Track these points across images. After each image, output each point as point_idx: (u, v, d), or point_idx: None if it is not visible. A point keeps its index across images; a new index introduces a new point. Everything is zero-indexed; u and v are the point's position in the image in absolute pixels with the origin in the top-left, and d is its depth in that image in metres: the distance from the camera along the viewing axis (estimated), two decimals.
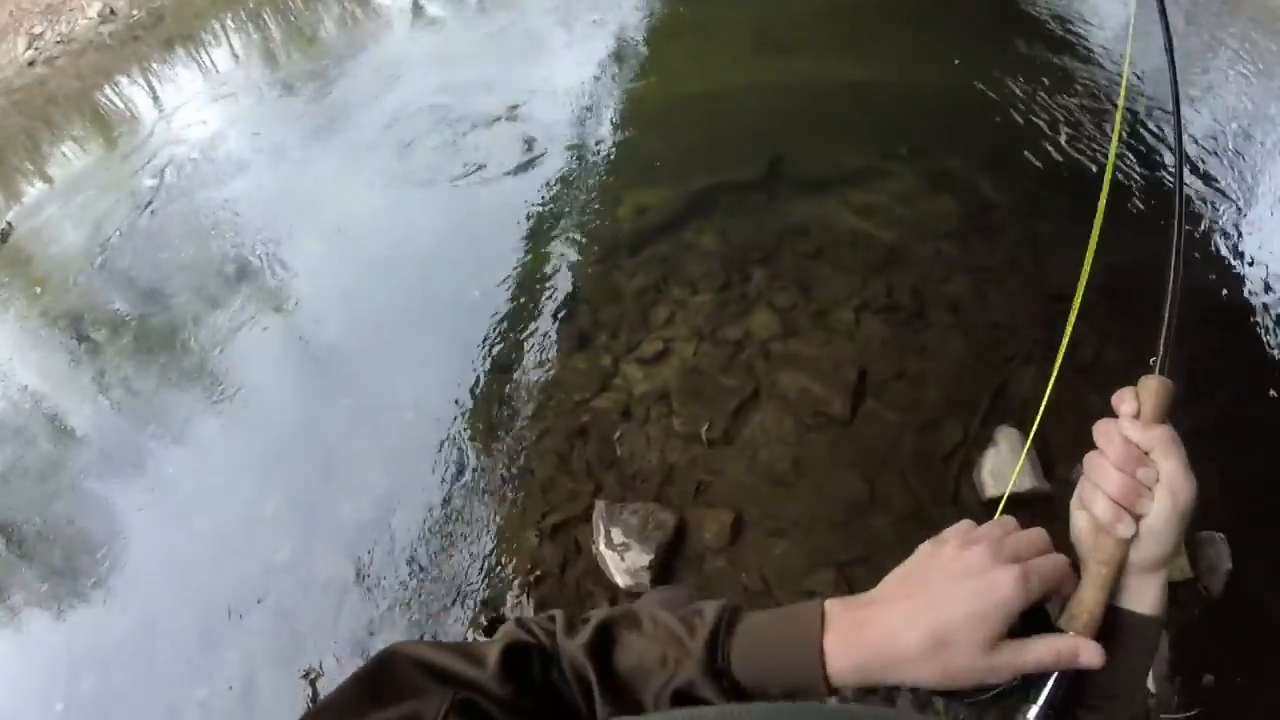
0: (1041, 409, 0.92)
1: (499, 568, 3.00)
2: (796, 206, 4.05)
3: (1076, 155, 4.50)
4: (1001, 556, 0.65)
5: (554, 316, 3.80)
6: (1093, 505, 0.70)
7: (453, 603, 2.93)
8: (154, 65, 7.46)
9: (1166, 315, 0.78)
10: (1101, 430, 0.72)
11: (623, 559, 2.93)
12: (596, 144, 4.86)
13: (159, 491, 3.70)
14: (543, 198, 4.54)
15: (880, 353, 3.43)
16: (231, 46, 7.70)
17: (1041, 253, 3.96)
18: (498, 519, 3.10)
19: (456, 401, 3.53)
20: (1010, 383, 3.38)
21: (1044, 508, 3.07)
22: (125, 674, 3.16)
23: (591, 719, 0.64)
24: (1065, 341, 0.87)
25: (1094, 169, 4.53)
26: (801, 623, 0.65)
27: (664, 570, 2.95)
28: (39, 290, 5.23)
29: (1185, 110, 5.02)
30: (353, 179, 5.03)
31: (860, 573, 2.97)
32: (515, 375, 3.57)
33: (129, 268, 5.04)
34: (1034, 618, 0.65)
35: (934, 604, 0.63)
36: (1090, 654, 0.64)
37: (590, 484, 3.14)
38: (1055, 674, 0.65)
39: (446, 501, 3.21)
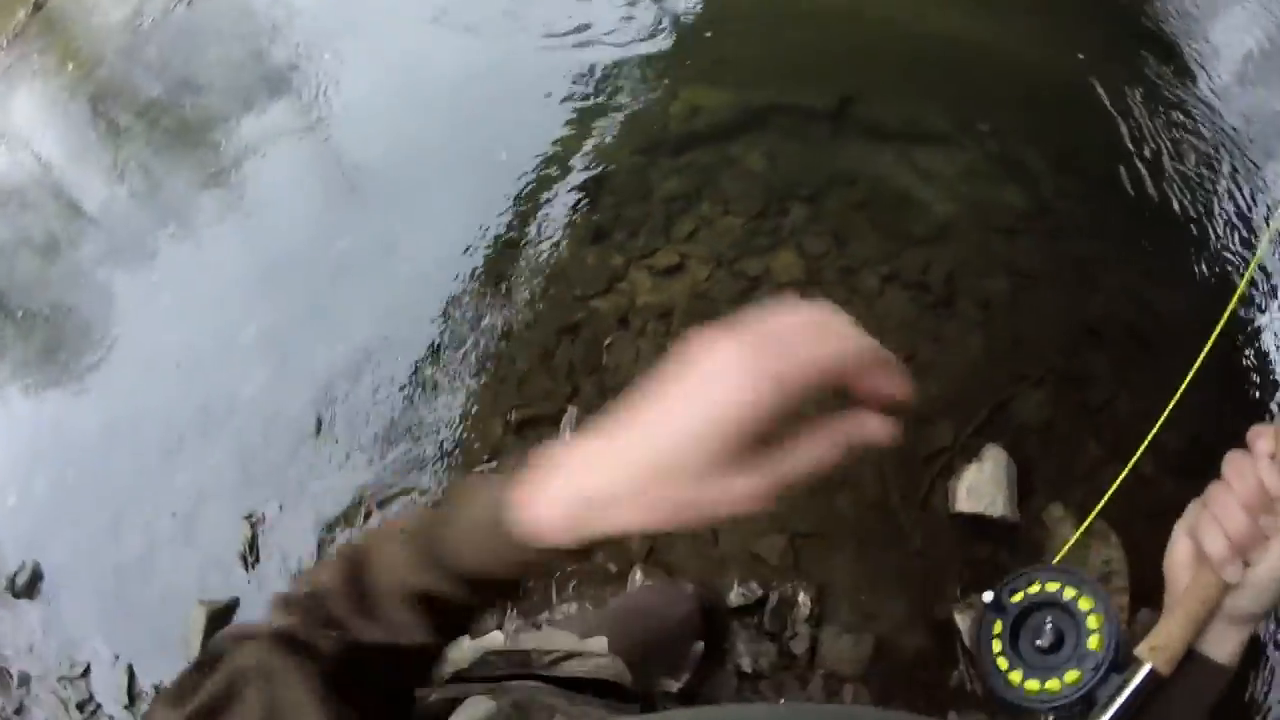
0: (1110, 492, 0.83)
1: (457, 450, 2.93)
2: (856, 150, 3.81)
3: (1164, 189, 4.25)
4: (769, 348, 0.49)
5: (575, 201, 3.61)
6: (1205, 538, 0.68)
7: (405, 472, 2.88)
8: None
9: None
10: (1234, 464, 0.69)
11: None
12: (668, 28, 4.51)
13: (146, 295, 3.60)
14: (599, 74, 4.24)
15: (895, 329, 3.29)
16: None
17: (1088, 276, 3.77)
18: (468, 400, 3.01)
19: (454, 266, 3.38)
20: (1016, 401, 3.28)
21: (997, 533, 3.02)
22: (79, 477, 3.14)
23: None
24: (1153, 432, 0.76)
25: (1176, 209, 4.28)
26: (502, 481, 0.55)
27: None
28: (70, 65, 4.99)
29: None
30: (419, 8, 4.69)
31: (810, 546, 2.93)
32: (521, 252, 3.41)
33: (165, 54, 4.78)
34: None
35: (658, 416, 0.51)
36: None
37: (568, 386, 3.04)
38: (1123, 697, 0.64)
39: (420, 368, 3.11)
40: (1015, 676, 0.70)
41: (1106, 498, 0.96)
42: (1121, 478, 0.91)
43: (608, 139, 3.93)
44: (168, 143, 4.58)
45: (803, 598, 2.81)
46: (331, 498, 2.86)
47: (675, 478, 0.49)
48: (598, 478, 0.51)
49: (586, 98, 4.15)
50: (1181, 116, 4.64)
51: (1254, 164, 4.39)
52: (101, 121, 4.70)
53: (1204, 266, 4.10)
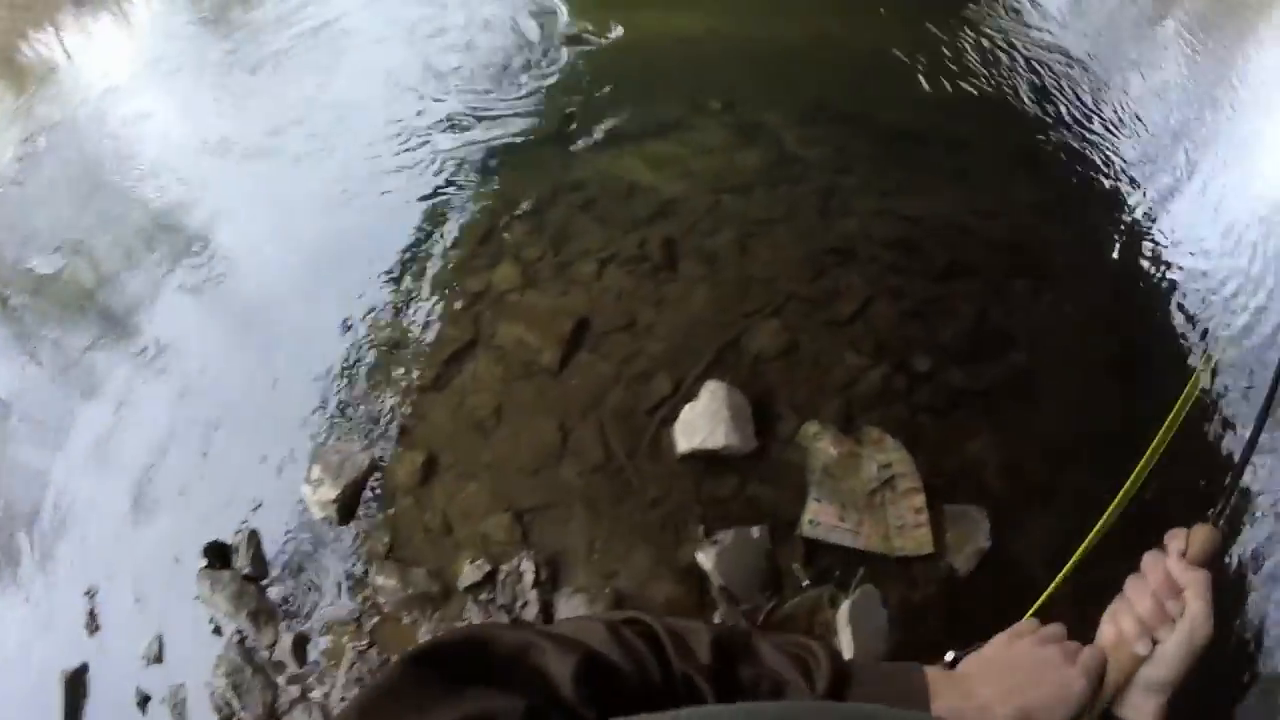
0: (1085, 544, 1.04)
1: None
2: (585, 160, 4.08)
3: (917, 113, 4.44)
4: (1072, 659, 0.79)
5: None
6: (1121, 619, 0.82)
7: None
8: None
9: (1231, 476, 0.94)
10: (1149, 560, 0.85)
11: (315, 492, 3.08)
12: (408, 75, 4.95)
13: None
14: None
15: (613, 304, 3.43)
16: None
17: (833, 205, 3.89)
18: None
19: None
20: (745, 336, 3.35)
21: (742, 466, 3.04)
22: None
23: None
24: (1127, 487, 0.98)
25: (926, 128, 4.43)
26: (914, 690, 0.76)
27: (348, 506, 3.07)
28: None
29: None
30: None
31: (539, 521, 3.01)
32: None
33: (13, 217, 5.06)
34: None
35: (1023, 686, 0.76)
36: None
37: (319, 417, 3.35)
38: None
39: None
40: None
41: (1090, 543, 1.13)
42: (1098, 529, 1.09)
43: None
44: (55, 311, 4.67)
45: (527, 566, 2.87)
46: None
47: None
48: (989, 715, 0.75)
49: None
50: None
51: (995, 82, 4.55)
52: None
53: (952, 171, 4.19)
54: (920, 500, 3.08)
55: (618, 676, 0.66)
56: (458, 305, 3.46)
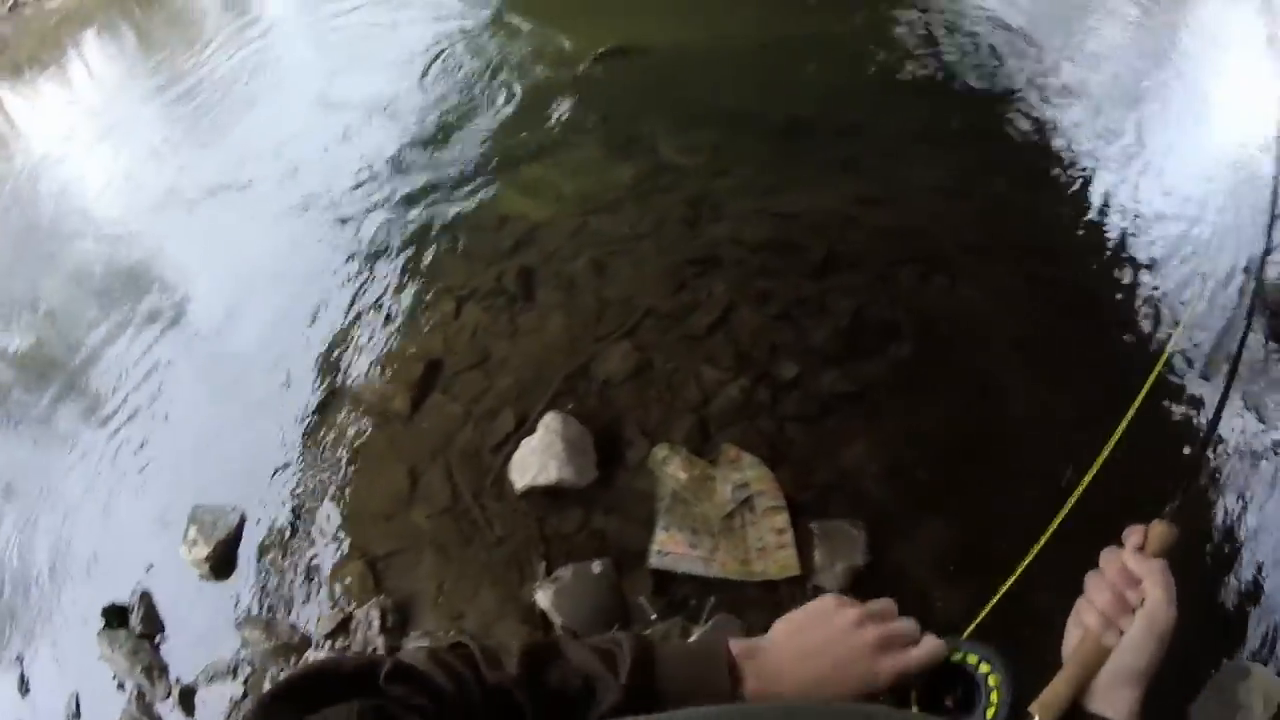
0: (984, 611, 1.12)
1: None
2: (463, 194, 4.14)
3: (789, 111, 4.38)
4: (886, 648, 0.81)
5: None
6: (1084, 615, 0.86)
7: None
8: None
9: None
10: (1106, 554, 0.90)
11: (190, 552, 3.21)
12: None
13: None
14: None
15: (468, 342, 3.46)
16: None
17: (703, 213, 3.86)
18: None
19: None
20: (594, 362, 3.34)
21: (587, 498, 3.04)
22: None
23: None
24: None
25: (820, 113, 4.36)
26: (715, 664, 0.80)
27: (224, 562, 3.17)
28: None
29: None
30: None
31: (391, 566, 3.06)
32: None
33: None
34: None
35: (824, 680, 0.80)
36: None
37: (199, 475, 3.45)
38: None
39: None
40: None
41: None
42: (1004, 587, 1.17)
43: None
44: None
45: (374, 614, 2.93)
46: None
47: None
48: (781, 687, 0.78)
49: None
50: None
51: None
52: None
53: (840, 161, 4.11)
54: (783, 519, 3.00)
55: (438, 695, 0.70)
56: (321, 355, 3.53)
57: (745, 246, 3.62)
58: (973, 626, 1.13)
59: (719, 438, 3.15)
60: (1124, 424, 1.10)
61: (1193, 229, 4.45)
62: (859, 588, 2.91)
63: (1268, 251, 4.21)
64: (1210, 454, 3.56)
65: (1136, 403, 1.12)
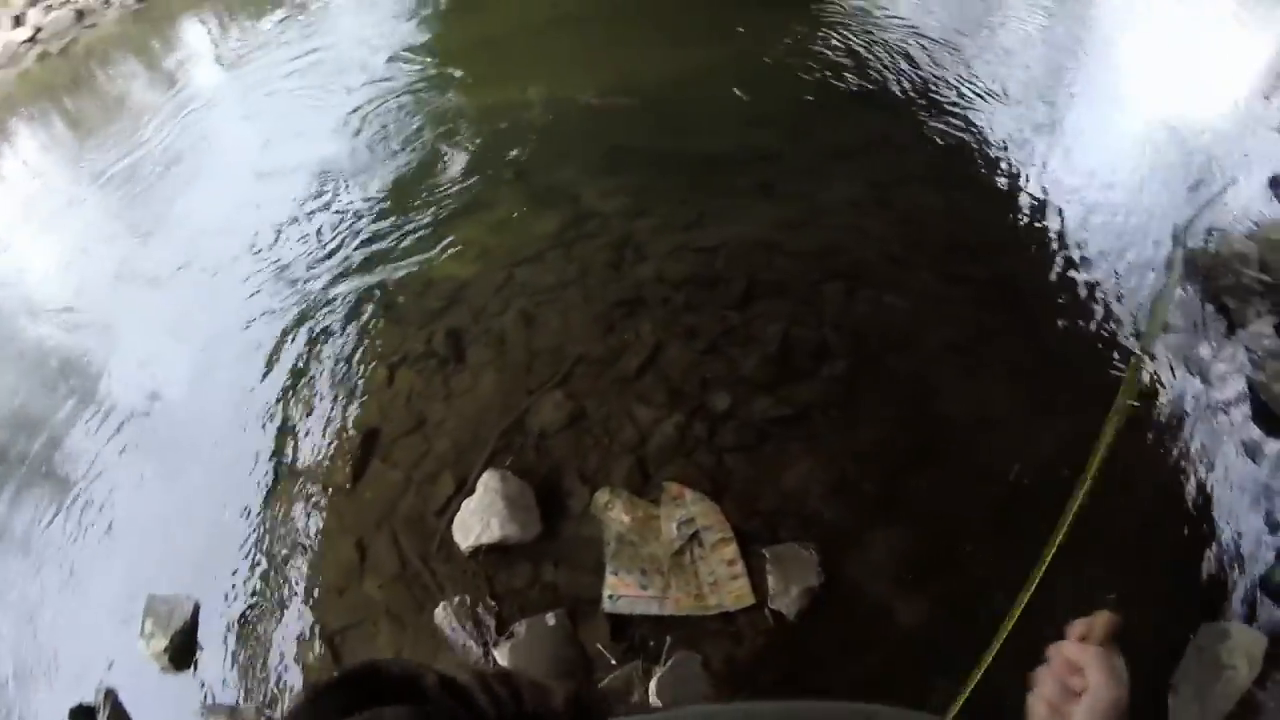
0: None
1: None
2: (391, 260, 4.18)
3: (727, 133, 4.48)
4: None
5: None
6: (1035, 707, 0.91)
7: None
8: None
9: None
10: (1051, 648, 0.95)
11: (148, 645, 3.19)
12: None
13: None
14: None
15: (403, 408, 3.49)
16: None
17: (627, 255, 3.93)
18: None
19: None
20: (528, 416, 3.38)
21: (534, 552, 3.07)
22: None
23: None
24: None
25: (737, 143, 4.46)
26: None
27: (183, 652, 3.13)
28: None
29: None
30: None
31: (349, 640, 3.06)
32: None
33: None
34: None
35: None
36: None
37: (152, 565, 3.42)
38: None
39: None
40: None
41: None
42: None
43: None
44: None
45: None
46: None
47: None
48: None
49: None
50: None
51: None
52: None
53: (758, 188, 4.21)
54: (732, 550, 3.03)
55: (480, 715, 0.72)
56: (261, 434, 3.55)
57: (669, 284, 3.69)
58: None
59: (659, 476, 3.20)
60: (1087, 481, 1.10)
61: (1115, 212, 4.59)
62: (817, 608, 2.95)
63: (1192, 222, 4.39)
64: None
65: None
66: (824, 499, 3.22)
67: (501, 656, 2.83)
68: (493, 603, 2.97)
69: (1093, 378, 3.80)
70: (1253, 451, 3.76)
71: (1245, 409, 3.91)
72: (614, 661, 2.82)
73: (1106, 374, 3.80)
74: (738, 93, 5.02)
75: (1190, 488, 3.58)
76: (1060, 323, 3.93)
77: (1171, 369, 3.90)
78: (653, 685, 2.75)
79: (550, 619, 2.90)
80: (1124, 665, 0.87)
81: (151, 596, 3.27)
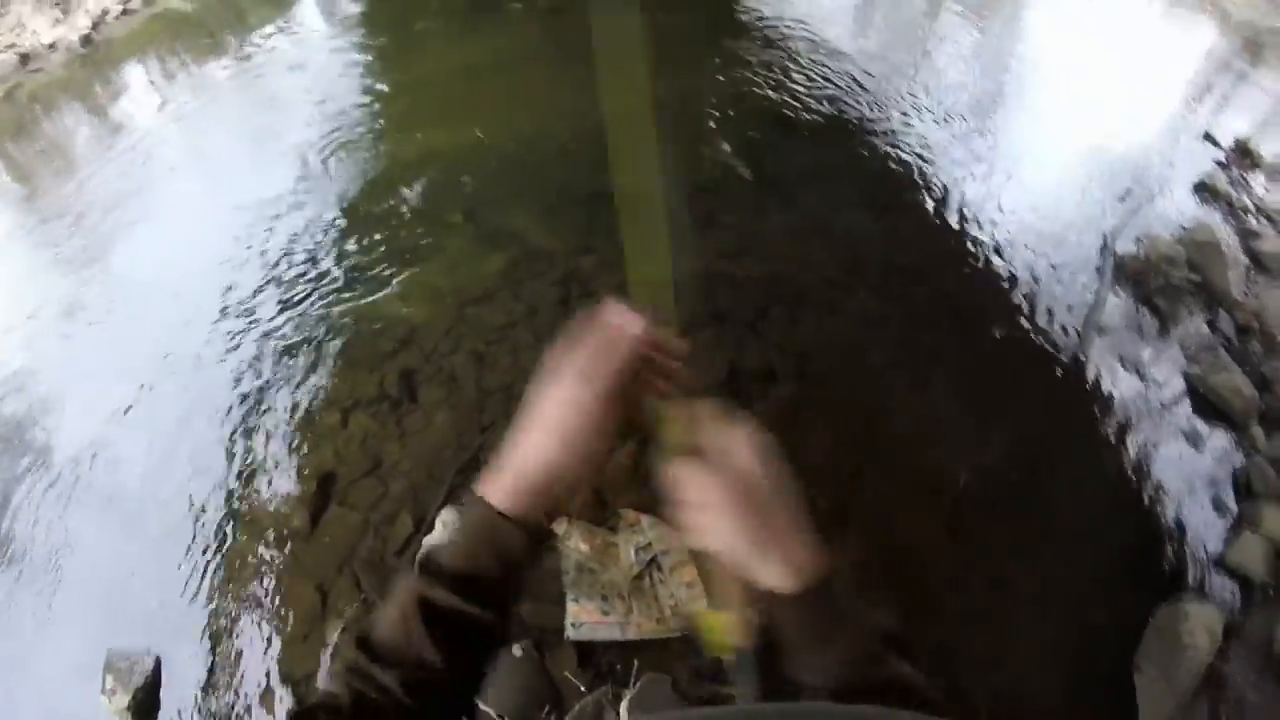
0: None
1: None
2: (342, 305, 4.28)
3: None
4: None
5: None
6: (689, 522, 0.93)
7: None
8: None
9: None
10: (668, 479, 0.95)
11: (110, 702, 3.19)
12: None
13: None
14: None
15: (358, 450, 3.59)
16: None
17: (573, 291, 4.08)
18: None
19: None
20: (483, 451, 3.50)
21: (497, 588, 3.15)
22: None
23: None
24: None
25: (673, 177, 4.63)
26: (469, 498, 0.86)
27: (145, 709, 3.11)
28: None
29: None
30: None
31: (314, 687, 3.12)
32: None
33: None
34: None
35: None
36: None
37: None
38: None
39: None
40: None
41: None
42: None
43: None
44: None
45: None
46: None
47: (576, 459, 0.85)
48: (530, 470, 0.85)
49: None
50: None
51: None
52: None
53: (699, 219, 4.39)
54: (691, 573, 3.15)
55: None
56: (216, 482, 3.61)
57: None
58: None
59: (616, 504, 3.32)
60: None
61: (1047, 223, 4.86)
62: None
63: (1122, 229, 4.66)
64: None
65: None
66: None
67: None
68: None
69: (1032, 384, 4.02)
70: (1195, 441, 4.02)
71: (1185, 403, 4.17)
72: (583, 689, 2.90)
73: (1045, 380, 4.02)
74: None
75: (1139, 479, 3.80)
76: (997, 333, 4.14)
77: (1112, 369, 4.15)
78: (623, 709, 2.83)
79: (517, 650, 2.99)
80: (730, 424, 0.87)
81: (111, 651, 3.29)
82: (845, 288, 4.19)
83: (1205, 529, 3.77)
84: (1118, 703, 3.23)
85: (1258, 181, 6.13)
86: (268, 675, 3.05)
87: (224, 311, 4.30)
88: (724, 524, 0.83)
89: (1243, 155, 6.33)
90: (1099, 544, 3.73)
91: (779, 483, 0.86)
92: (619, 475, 3.36)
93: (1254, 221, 5.51)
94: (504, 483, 0.85)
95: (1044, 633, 3.34)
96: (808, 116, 5.52)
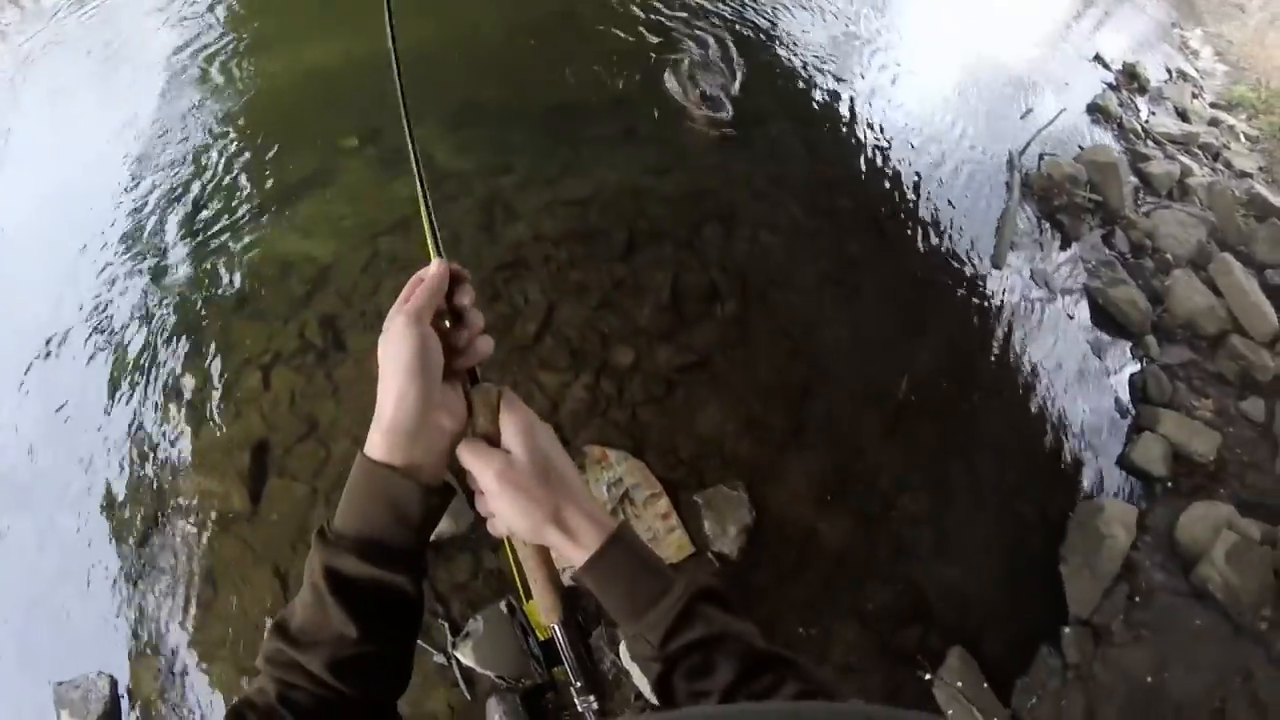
0: None
1: None
2: (230, 250, 3.85)
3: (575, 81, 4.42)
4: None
5: None
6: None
7: None
8: None
9: None
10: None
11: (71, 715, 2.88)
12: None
13: None
14: None
15: (288, 413, 3.30)
16: None
17: (497, 214, 3.85)
18: None
19: None
20: None
21: (472, 543, 3.03)
22: None
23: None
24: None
25: (589, 90, 4.42)
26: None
27: None
28: None
29: None
30: None
31: None
32: None
33: None
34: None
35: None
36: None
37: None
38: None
39: None
40: None
41: None
42: None
43: None
44: None
45: None
46: None
47: (430, 405, 0.84)
48: (390, 414, 0.83)
49: None
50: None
51: None
52: None
53: (619, 134, 4.21)
54: (665, 504, 3.16)
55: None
56: (130, 474, 3.25)
57: (548, 242, 3.67)
58: None
59: (579, 441, 3.24)
60: None
61: (957, 141, 5.01)
62: (755, 543, 3.16)
63: (1027, 145, 4.88)
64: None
65: None
66: (738, 437, 3.40)
67: (464, 655, 2.83)
68: (439, 605, 2.93)
69: (952, 295, 4.19)
70: (1098, 349, 4.37)
71: (1086, 313, 4.51)
72: None
73: (965, 291, 4.20)
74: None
75: (1048, 386, 4.08)
76: (920, 247, 4.27)
77: (1025, 282, 4.39)
78: (622, 648, 2.85)
79: (504, 606, 2.92)
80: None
81: (58, 686, 2.98)
82: (774, 201, 4.17)
83: (1112, 429, 4.13)
84: (1048, 589, 3.53)
85: (1144, 105, 6.59)
86: (235, 673, 2.87)
87: (99, 266, 3.80)
88: (510, 508, 0.87)
89: (1130, 79, 6.73)
90: (1020, 446, 4.01)
91: (559, 461, 0.90)
92: (578, 410, 3.27)
93: (1143, 145, 5.90)
94: (376, 437, 0.85)
95: (980, 529, 3.58)
96: (723, 30, 5.34)
